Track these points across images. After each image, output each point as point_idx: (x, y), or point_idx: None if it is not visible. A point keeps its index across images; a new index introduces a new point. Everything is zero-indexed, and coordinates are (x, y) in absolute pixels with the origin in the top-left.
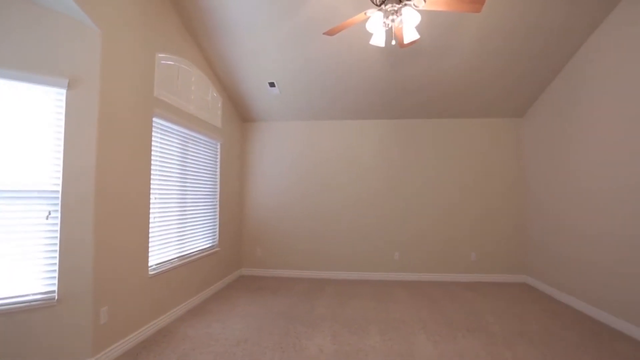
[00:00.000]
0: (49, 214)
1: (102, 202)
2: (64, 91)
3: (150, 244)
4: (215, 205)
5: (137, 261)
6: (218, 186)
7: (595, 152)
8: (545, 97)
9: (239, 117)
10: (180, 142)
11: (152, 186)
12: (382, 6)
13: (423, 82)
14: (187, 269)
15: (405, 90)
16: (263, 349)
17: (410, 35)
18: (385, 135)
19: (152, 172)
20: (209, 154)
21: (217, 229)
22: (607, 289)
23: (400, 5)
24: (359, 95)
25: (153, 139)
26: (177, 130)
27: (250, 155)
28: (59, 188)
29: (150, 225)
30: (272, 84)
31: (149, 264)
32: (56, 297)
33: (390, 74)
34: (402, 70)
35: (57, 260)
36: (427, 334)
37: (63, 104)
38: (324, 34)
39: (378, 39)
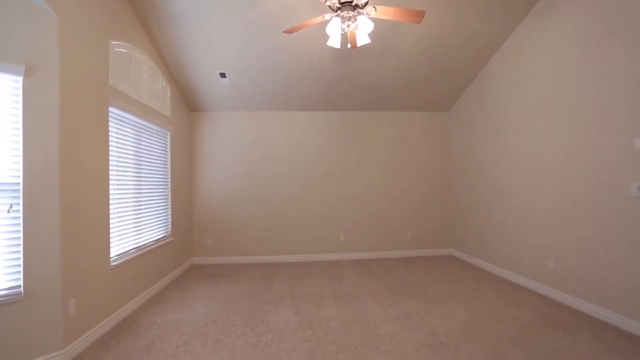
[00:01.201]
0: (11, 207)
1: (66, 194)
2: (20, 79)
3: (110, 235)
4: (167, 195)
5: (99, 253)
6: (169, 176)
7: (506, 142)
8: (467, 94)
9: (187, 106)
10: (135, 132)
11: (110, 177)
12: (339, 12)
13: (368, 78)
14: (144, 259)
15: (351, 85)
16: (234, 326)
17: (362, 39)
18: (332, 126)
19: (110, 162)
20: (160, 144)
21: (170, 219)
22: (514, 254)
23: (355, 13)
24: (309, 88)
25: (110, 129)
26: (132, 120)
27: (199, 145)
28: (20, 180)
29: (110, 216)
30: (223, 75)
31: (111, 255)
32: (22, 292)
33: (339, 69)
34: (350, 67)
35: (21, 255)
36: (377, 302)
37: (20, 92)
38: (283, 32)
39: (334, 42)
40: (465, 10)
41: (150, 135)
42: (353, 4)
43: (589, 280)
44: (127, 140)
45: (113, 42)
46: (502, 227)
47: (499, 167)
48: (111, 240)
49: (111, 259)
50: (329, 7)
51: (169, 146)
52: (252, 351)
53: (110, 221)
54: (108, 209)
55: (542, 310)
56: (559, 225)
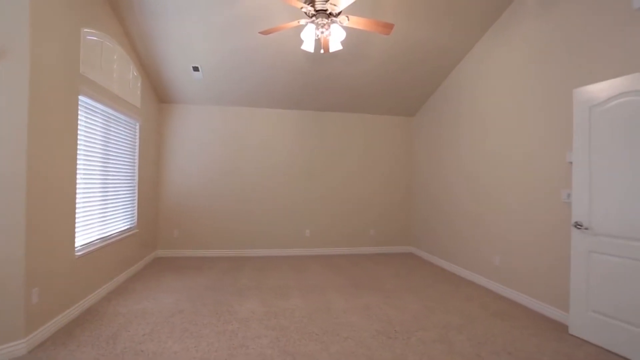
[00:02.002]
0: None
1: (32, 182)
2: None
3: (76, 225)
4: (134, 186)
5: (64, 242)
6: (136, 167)
7: (459, 151)
8: (430, 102)
9: (157, 97)
10: (104, 121)
11: (78, 167)
12: (314, 19)
13: (339, 80)
14: (109, 250)
15: (322, 86)
16: (200, 316)
17: (334, 46)
18: (303, 125)
19: (77, 152)
20: (129, 134)
21: (136, 211)
22: (465, 252)
23: (329, 21)
24: (281, 87)
25: (79, 117)
26: (101, 110)
27: (168, 137)
28: None
29: (77, 206)
30: (196, 68)
31: (75, 245)
32: None
33: (311, 71)
34: (321, 69)
35: None
36: (339, 294)
37: None
38: (259, 32)
39: (308, 46)
40: (432, 23)
41: (119, 125)
42: (327, 12)
43: (528, 276)
44: (96, 130)
45: (85, 30)
46: (455, 228)
47: (453, 174)
48: (77, 230)
49: (76, 249)
50: (305, 13)
51: (137, 137)
52: (218, 338)
53: (77, 211)
54: (75, 198)
55: (487, 302)
56: (504, 228)
